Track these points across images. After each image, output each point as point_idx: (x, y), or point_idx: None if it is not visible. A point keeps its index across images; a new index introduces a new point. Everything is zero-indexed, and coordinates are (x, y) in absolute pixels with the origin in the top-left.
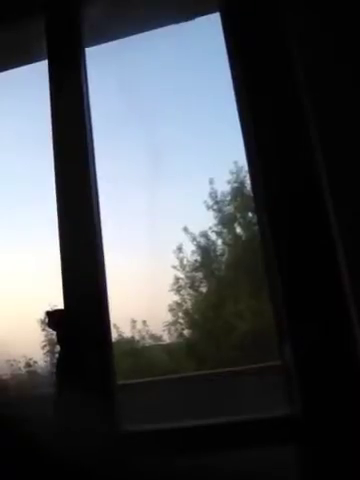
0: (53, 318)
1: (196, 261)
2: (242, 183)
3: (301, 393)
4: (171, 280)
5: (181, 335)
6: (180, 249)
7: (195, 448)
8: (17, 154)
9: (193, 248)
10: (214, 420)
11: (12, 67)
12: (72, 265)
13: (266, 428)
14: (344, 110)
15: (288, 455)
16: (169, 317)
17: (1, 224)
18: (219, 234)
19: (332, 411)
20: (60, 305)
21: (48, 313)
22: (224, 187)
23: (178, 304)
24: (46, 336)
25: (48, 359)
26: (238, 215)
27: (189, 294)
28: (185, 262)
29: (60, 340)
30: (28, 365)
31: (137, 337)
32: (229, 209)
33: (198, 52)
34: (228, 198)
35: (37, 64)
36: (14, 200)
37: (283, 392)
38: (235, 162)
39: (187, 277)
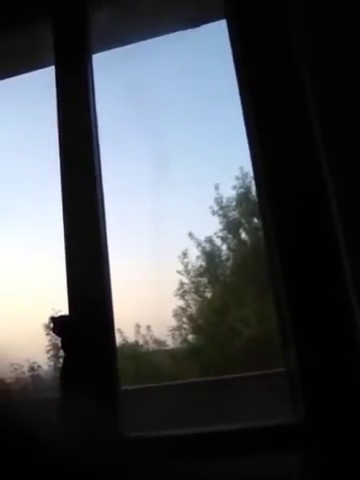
0: (58, 324)
1: (201, 266)
2: (248, 188)
3: (305, 399)
4: (176, 285)
5: (185, 340)
6: (185, 254)
7: (198, 455)
8: (24, 158)
9: (198, 253)
10: (218, 427)
11: (20, 72)
12: (77, 270)
13: (270, 435)
14: (350, 115)
15: (292, 462)
16: (173, 322)
17: (6, 228)
18: (224, 239)
19: (336, 418)
20: (65, 310)
21: (53, 319)
22: (230, 192)
23: (182, 309)
24: (50, 340)
25: (52, 363)
26: (243, 221)
27: (194, 299)
28: (190, 267)
29: (64, 346)
30: (32, 369)
31: (141, 342)
32: (234, 214)
33: (204, 58)
34: (233, 203)
35: (45, 69)
36: (20, 204)
37: (287, 398)
38: (241, 168)
39: (192, 282)
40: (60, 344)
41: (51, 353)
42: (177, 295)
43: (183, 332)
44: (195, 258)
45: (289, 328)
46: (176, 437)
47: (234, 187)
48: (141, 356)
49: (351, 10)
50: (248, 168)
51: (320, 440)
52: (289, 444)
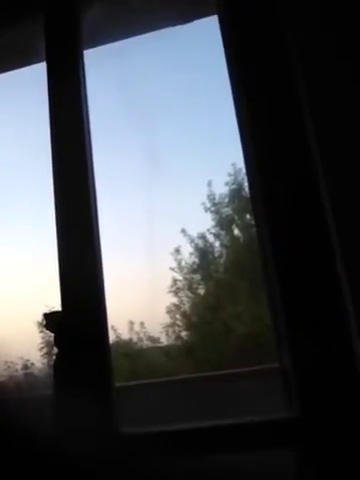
0: (51, 320)
1: (194, 263)
2: (240, 185)
3: (299, 395)
4: (169, 282)
5: (179, 337)
6: (178, 251)
7: (193, 451)
8: (16, 155)
9: (191, 250)
10: (212, 422)
11: (11, 69)
12: (70, 267)
13: (264, 430)
14: (343, 112)
15: (287, 458)
16: (167, 319)
17: None
18: (217, 236)
19: (331, 413)
20: (58, 307)
21: (46, 315)
22: (222, 189)
23: (176, 306)
24: (43, 338)
25: (45, 361)
26: (236, 217)
27: (187, 296)
28: (183, 264)
29: (58, 342)
30: (25, 367)
31: (135, 339)
32: (227, 211)
33: (196, 55)
34: (226, 200)
35: (36, 66)
36: (12, 202)
37: (281, 394)
38: (233, 164)
39: (185, 279)
40: (53, 341)
41: (44, 351)
42: (170, 292)
43: (177, 329)
44: (188, 255)
45: (283, 324)
46: (170, 433)
47: (227, 184)
48: (135, 353)
49: (346, 8)
50: (240, 164)
51: (315, 435)
52: (284, 439)
